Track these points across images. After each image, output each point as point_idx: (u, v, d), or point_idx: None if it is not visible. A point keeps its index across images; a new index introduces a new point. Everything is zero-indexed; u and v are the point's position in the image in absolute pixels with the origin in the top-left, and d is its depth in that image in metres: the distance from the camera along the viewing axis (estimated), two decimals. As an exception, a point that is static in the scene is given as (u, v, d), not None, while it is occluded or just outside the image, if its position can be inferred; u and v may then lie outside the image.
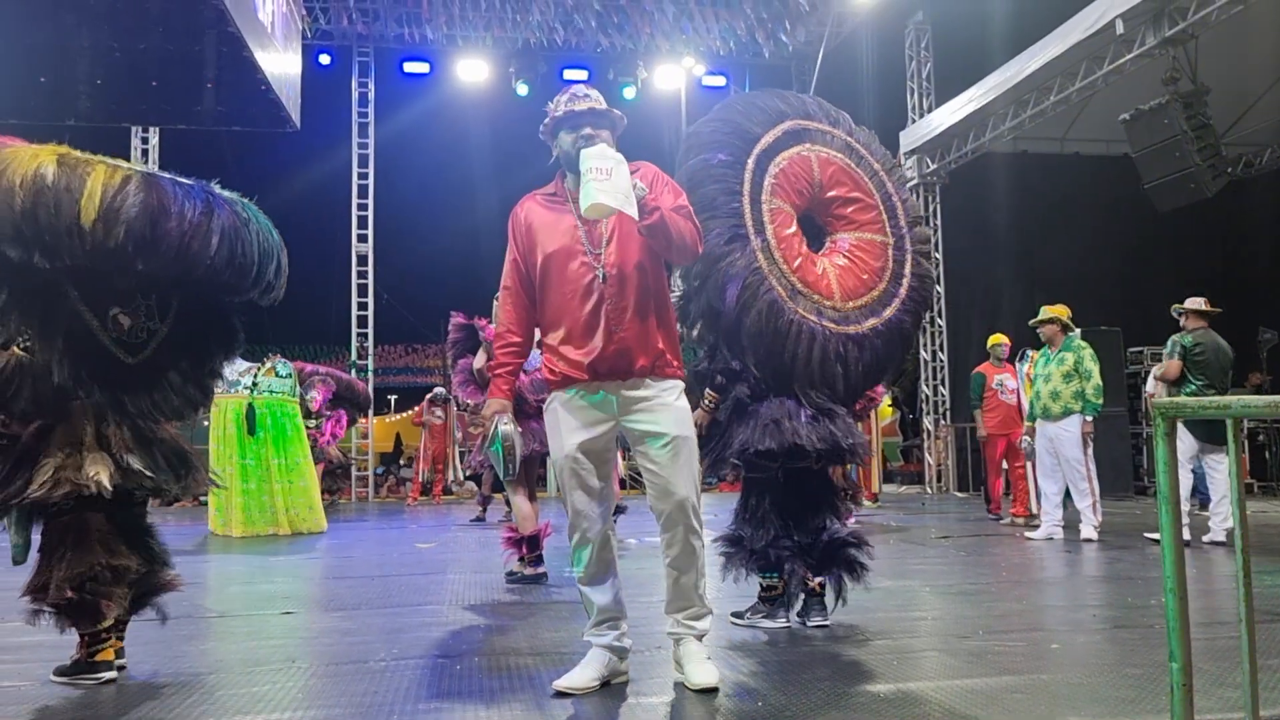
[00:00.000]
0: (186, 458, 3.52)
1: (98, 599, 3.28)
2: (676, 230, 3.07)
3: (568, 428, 3.14)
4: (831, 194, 4.23)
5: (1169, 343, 7.43)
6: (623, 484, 7.02)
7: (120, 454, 3.32)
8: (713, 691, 3.07)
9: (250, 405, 9.17)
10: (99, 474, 3.24)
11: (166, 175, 3.13)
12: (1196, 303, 7.52)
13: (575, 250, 3.14)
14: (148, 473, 3.34)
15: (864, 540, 4.15)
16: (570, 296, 3.12)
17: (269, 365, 9.47)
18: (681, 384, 3.23)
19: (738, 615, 4.23)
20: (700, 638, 3.21)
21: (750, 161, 4.07)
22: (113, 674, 3.32)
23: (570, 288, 3.12)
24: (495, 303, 5.81)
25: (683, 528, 3.11)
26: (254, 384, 9.27)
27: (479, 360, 5.66)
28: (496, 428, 3.15)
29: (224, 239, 3.11)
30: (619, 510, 7.32)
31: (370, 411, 16.50)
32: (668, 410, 3.14)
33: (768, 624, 4.14)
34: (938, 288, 15.22)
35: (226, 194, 3.28)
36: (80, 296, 3.22)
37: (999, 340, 9.92)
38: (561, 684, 3.09)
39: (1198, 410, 2.54)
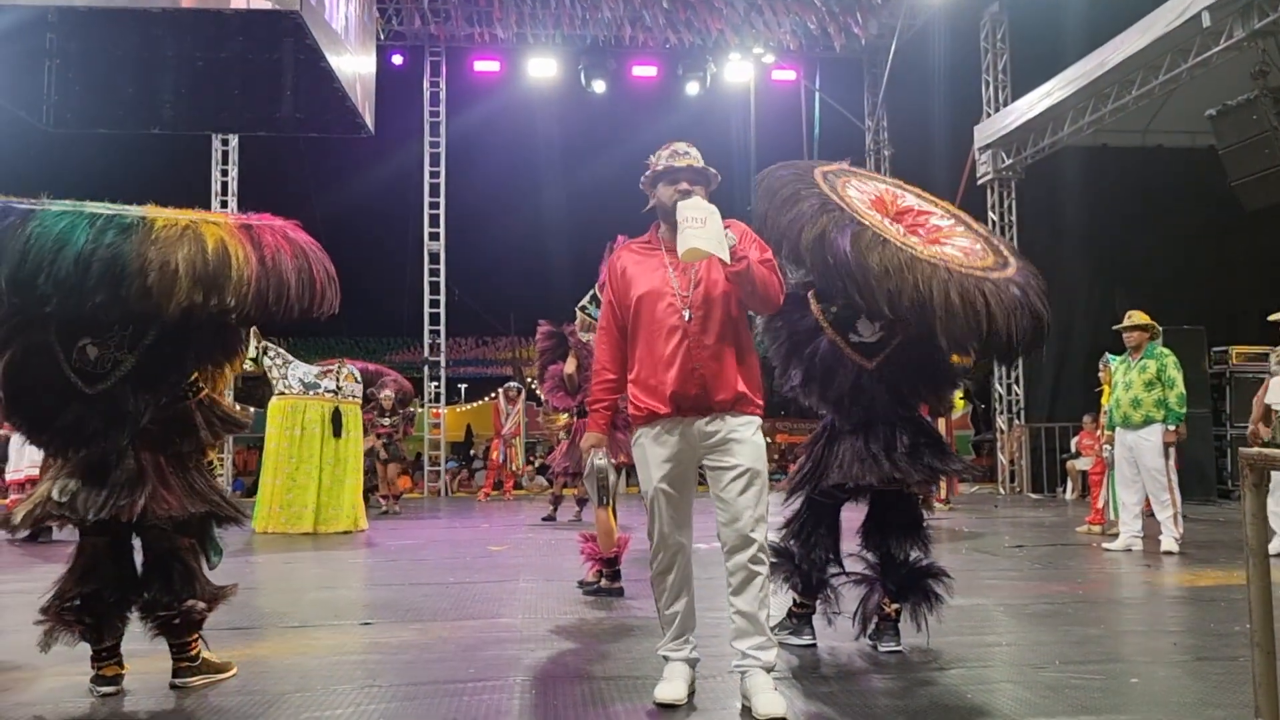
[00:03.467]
0: (135, 481, 3.44)
1: (70, 625, 3.47)
2: (761, 279, 3.29)
3: (654, 461, 3.36)
4: (906, 206, 4.23)
5: None
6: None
7: (59, 479, 3.45)
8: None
9: (337, 409, 9.55)
10: (21, 507, 3.48)
11: None
12: None
13: (665, 292, 3.37)
14: (67, 500, 3.38)
15: (945, 572, 4.13)
16: (657, 334, 3.35)
17: (346, 370, 9.79)
18: (759, 420, 3.39)
19: None
20: (767, 669, 3.27)
21: (818, 174, 4.12)
22: (110, 689, 3.48)
23: (657, 326, 3.35)
24: (578, 311, 5.86)
25: (747, 558, 3.26)
26: (338, 388, 9.63)
27: (569, 366, 5.70)
28: (592, 461, 3.48)
29: None
30: None
31: (442, 402, 16.82)
32: (743, 445, 3.32)
33: (794, 640, 4.18)
34: (1013, 284, 14.93)
35: (25, 205, 3.23)
36: (56, 328, 3.38)
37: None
38: (664, 698, 3.28)
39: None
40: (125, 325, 3.43)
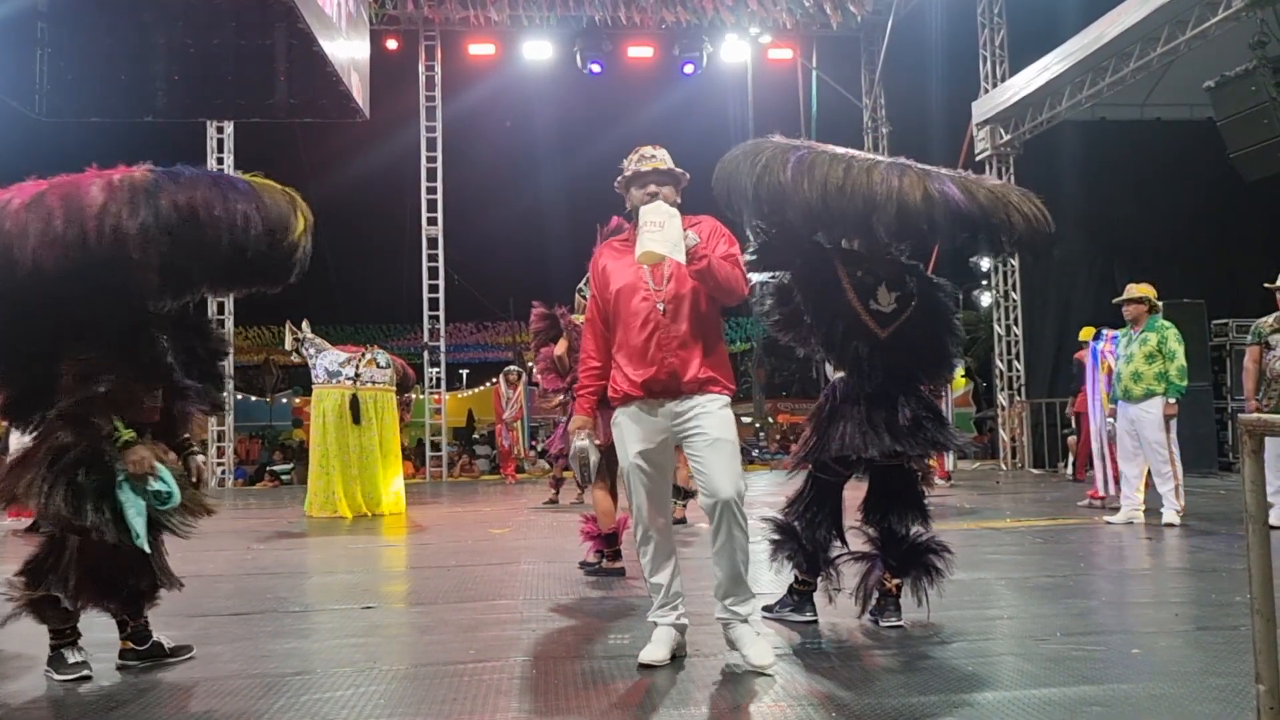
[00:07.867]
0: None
1: None
2: (723, 275, 3.52)
3: (630, 439, 3.61)
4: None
5: None
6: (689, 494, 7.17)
7: None
8: (769, 670, 3.38)
9: (354, 396, 9.56)
10: None
11: None
12: None
13: (639, 286, 3.62)
14: None
15: (946, 547, 4.13)
16: (632, 325, 3.60)
17: (369, 357, 9.88)
18: (727, 399, 3.62)
19: (767, 609, 4.23)
20: (745, 621, 3.54)
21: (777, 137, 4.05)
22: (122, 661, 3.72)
23: (633, 318, 3.60)
24: (577, 295, 5.91)
25: (725, 522, 3.48)
26: (356, 375, 9.66)
27: (560, 348, 5.72)
28: (574, 442, 3.72)
29: None
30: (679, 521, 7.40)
31: (443, 388, 16.85)
32: (709, 416, 3.55)
33: (795, 618, 4.21)
34: (1012, 262, 14.87)
35: None
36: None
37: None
38: (645, 660, 3.53)
39: (1289, 430, 2.45)
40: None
